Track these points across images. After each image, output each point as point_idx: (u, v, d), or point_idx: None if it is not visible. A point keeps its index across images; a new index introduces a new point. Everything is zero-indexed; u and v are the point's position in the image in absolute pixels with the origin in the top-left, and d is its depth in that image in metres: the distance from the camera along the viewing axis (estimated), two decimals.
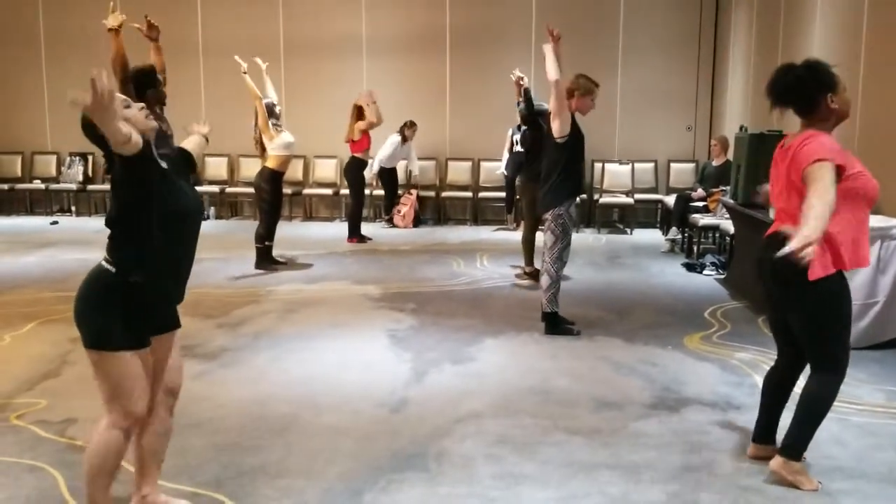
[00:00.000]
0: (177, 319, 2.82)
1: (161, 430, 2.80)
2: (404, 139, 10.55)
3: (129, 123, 2.58)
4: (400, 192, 11.02)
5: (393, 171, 10.81)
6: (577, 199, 5.46)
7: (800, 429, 3.12)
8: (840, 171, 2.92)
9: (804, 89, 3.04)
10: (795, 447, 3.12)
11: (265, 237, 7.72)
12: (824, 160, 2.89)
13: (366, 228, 9.92)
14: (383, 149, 10.40)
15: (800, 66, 3.09)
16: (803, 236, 2.70)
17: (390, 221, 10.94)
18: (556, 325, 5.40)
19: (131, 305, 2.58)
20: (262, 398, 4.11)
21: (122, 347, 2.56)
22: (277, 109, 7.70)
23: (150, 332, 2.69)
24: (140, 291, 2.58)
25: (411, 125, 10.59)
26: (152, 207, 2.53)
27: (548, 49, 5.16)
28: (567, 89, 5.24)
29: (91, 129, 2.63)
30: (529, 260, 7.35)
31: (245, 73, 7.62)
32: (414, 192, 11.07)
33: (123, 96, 2.72)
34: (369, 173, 10.05)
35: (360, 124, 9.33)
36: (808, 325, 3.10)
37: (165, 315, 2.76)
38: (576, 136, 5.29)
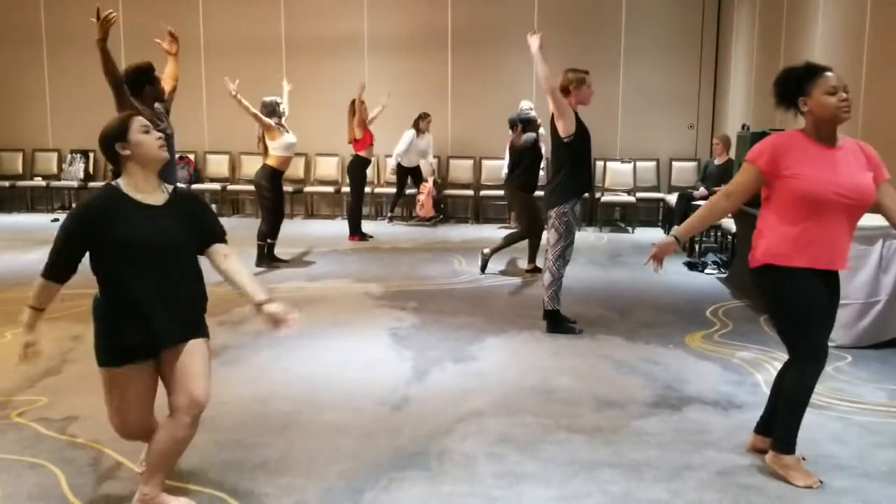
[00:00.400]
0: (184, 333, 2.79)
1: (178, 435, 2.76)
2: (419, 132, 10.50)
3: (140, 147, 2.73)
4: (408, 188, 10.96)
5: (416, 169, 10.71)
6: (582, 197, 5.46)
7: (782, 420, 3.19)
8: (764, 173, 3.07)
9: (777, 93, 3.16)
10: (782, 439, 3.17)
11: (267, 235, 7.72)
12: (749, 161, 3.12)
13: (376, 226, 9.89)
14: (399, 144, 10.39)
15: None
16: (668, 238, 3.27)
17: (411, 217, 10.87)
18: (557, 323, 5.40)
19: (122, 327, 2.74)
20: (263, 396, 4.11)
21: (108, 364, 2.76)
22: (282, 108, 7.68)
23: (147, 348, 2.77)
24: (127, 316, 2.73)
25: (425, 116, 10.54)
26: (109, 260, 2.71)
27: (536, 56, 5.11)
28: (561, 88, 5.23)
29: (106, 147, 2.77)
30: (532, 257, 7.46)
31: (234, 94, 7.32)
32: (431, 178, 10.96)
33: (145, 121, 2.80)
34: (371, 171, 10.03)
35: (355, 121, 9.33)
36: (768, 312, 3.32)
37: (162, 332, 2.74)
38: (581, 135, 5.28)
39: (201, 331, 2.86)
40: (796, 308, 3.09)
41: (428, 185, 10.85)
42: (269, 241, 7.78)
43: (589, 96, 5.32)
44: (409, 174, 10.69)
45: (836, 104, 3.01)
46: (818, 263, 3.05)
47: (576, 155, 5.28)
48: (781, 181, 3.05)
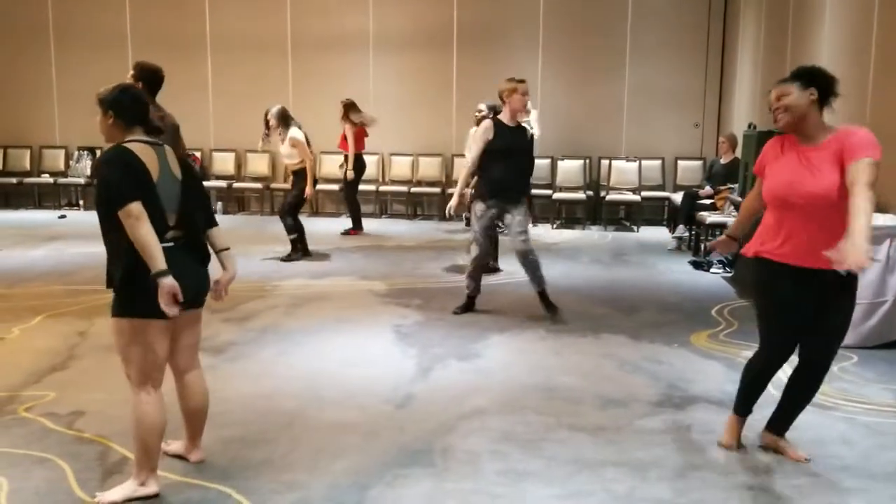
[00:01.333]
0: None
1: None
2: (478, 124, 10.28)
3: None
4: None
5: None
6: (489, 202, 5.67)
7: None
8: (758, 177, 3.34)
9: None
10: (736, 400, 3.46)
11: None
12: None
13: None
14: (468, 149, 10.20)
15: None
16: (724, 238, 3.64)
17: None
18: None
19: None
20: (267, 392, 4.12)
21: None
22: (268, 117, 7.74)
23: None
24: None
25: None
26: None
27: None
28: (499, 95, 5.69)
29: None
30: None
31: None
32: None
33: None
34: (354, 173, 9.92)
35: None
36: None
37: None
38: (501, 147, 5.57)
39: (113, 307, 2.87)
40: (764, 300, 3.29)
41: None
42: (289, 236, 7.89)
43: (522, 103, 5.65)
44: None
45: (774, 118, 3.18)
46: (798, 261, 3.10)
47: (490, 161, 5.62)
48: (765, 182, 3.28)
